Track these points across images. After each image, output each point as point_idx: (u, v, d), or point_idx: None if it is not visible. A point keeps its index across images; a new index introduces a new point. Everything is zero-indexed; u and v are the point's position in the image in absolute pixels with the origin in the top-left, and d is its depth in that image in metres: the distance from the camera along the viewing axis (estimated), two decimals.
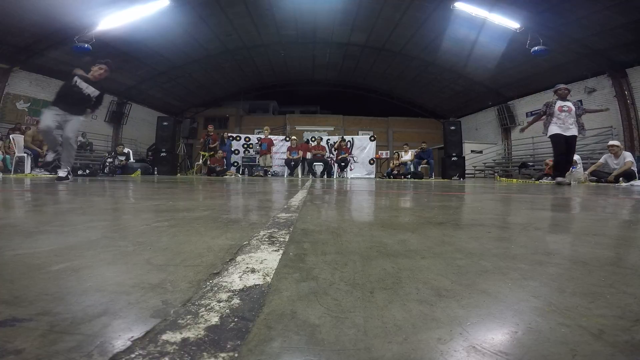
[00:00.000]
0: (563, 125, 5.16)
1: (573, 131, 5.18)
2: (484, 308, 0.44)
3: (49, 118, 3.94)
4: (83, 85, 4.12)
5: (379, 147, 13.33)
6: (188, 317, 0.39)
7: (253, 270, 0.58)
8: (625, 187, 4.72)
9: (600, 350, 0.33)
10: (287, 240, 0.84)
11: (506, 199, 2.57)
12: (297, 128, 19.52)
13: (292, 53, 14.41)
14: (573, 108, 5.26)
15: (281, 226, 1.05)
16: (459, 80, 14.64)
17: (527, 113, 13.93)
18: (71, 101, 4.07)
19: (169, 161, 10.42)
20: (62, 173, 3.98)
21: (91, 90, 4.19)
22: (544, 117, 5.43)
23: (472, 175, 14.27)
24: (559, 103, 5.31)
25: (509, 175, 12.13)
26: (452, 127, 10.86)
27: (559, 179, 5.20)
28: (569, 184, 5.19)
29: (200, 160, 10.82)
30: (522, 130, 5.56)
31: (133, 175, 8.07)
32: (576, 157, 7.01)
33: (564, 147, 5.18)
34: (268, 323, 0.38)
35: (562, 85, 5.55)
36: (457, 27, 10.53)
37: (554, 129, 5.20)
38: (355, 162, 11.08)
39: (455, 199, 2.47)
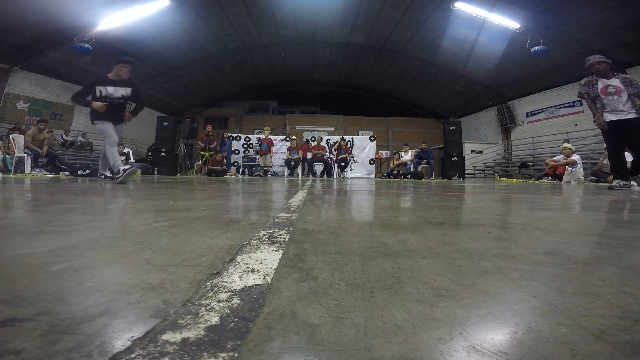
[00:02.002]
0: (613, 111, 3.83)
1: (630, 114, 3.76)
2: (484, 308, 0.44)
3: (113, 132, 3.83)
4: (111, 90, 3.81)
5: (379, 147, 13.34)
6: (188, 317, 0.39)
7: (253, 270, 0.58)
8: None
9: (600, 350, 0.33)
10: (287, 240, 0.84)
11: (506, 199, 2.57)
12: (297, 128, 19.53)
13: (292, 53, 14.41)
14: (622, 88, 3.80)
15: (281, 226, 1.05)
16: (459, 80, 14.65)
17: (527, 113, 13.94)
18: (111, 112, 3.82)
19: (169, 161, 10.42)
20: (109, 173, 4.20)
21: (123, 91, 3.89)
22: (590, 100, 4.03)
23: (472, 176, 14.27)
24: (602, 82, 3.91)
25: (509, 175, 12.13)
26: (452, 127, 10.86)
27: (616, 182, 3.92)
28: (627, 187, 3.81)
29: (200, 161, 10.83)
30: (598, 123, 3.97)
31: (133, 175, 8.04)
32: (576, 157, 7.00)
33: (619, 137, 3.85)
34: (268, 323, 0.38)
35: (595, 58, 3.95)
36: (457, 27, 10.54)
37: (606, 116, 3.87)
38: (355, 162, 11.08)
39: (455, 199, 2.47)
